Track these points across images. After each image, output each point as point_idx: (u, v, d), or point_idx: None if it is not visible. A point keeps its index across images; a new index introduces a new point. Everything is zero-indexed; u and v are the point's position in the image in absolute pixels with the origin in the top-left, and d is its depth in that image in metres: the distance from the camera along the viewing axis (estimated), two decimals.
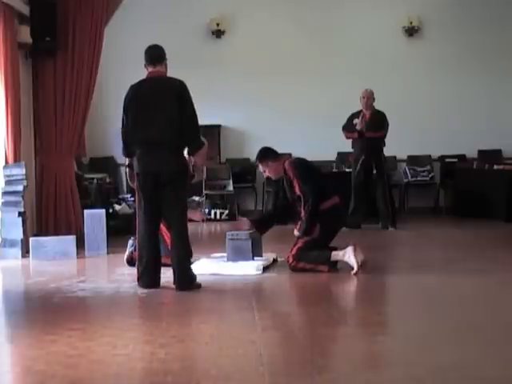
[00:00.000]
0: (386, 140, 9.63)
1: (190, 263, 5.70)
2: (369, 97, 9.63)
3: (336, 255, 6.25)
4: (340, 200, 6.48)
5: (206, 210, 7.25)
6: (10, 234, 7.75)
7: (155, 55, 5.65)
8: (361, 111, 9.63)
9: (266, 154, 6.59)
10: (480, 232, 9.27)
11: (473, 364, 3.53)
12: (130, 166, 5.77)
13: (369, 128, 9.45)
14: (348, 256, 6.15)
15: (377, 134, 9.49)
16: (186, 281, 5.56)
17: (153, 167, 5.48)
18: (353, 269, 6.09)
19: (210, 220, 11.24)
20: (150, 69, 5.65)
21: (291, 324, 4.59)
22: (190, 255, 5.67)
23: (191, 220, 6.59)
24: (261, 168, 6.62)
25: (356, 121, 9.52)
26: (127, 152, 5.71)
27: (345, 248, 6.22)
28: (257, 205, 11.99)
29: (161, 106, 5.48)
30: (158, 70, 5.63)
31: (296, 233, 6.40)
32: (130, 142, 5.62)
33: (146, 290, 5.50)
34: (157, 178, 5.48)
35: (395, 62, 12.08)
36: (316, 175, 6.47)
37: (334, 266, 6.35)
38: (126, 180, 5.91)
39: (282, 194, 6.60)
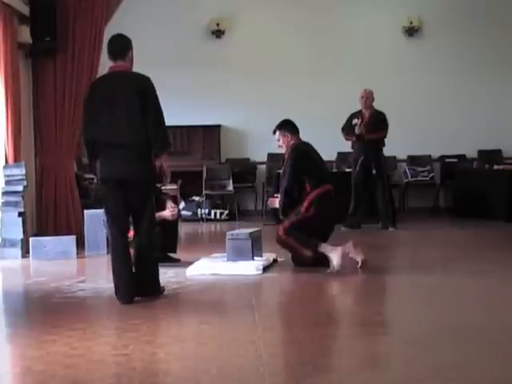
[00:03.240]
0: (386, 140, 9.63)
1: (157, 270, 5.30)
2: (368, 96, 9.62)
3: (325, 247, 6.25)
4: (333, 189, 6.52)
5: (181, 205, 6.92)
6: (9, 234, 7.75)
7: (115, 49, 5.25)
8: (360, 111, 9.63)
9: (287, 124, 6.64)
10: (480, 232, 9.28)
11: (473, 364, 3.53)
12: (95, 172, 5.35)
13: (369, 129, 9.44)
14: (333, 253, 6.17)
15: (377, 135, 9.48)
16: (148, 288, 5.23)
17: (115, 173, 5.10)
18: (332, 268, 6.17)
19: (209, 220, 11.25)
20: (111, 63, 5.27)
21: (291, 324, 4.59)
22: (157, 264, 5.33)
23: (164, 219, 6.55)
24: (277, 135, 6.60)
25: (355, 121, 9.50)
26: (89, 155, 5.29)
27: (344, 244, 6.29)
28: (257, 205, 11.99)
29: (121, 104, 5.06)
30: (120, 65, 5.22)
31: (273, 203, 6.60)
32: (90, 142, 5.19)
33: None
34: (120, 184, 5.11)
35: (395, 62, 12.08)
36: (311, 165, 6.51)
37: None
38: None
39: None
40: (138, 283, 5.21)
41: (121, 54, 5.25)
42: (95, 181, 9.79)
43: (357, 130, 9.43)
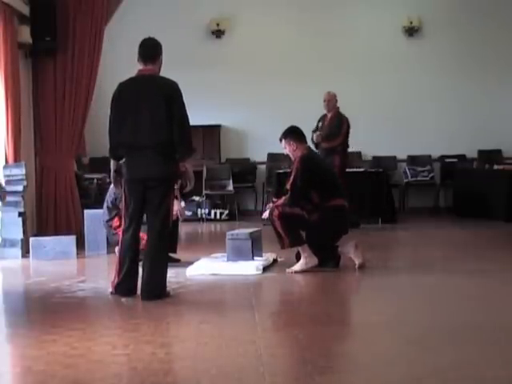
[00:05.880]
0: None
1: (165, 272, 5.28)
2: (330, 99, 9.56)
3: (305, 249, 6.25)
4: (345, 205, 6.45)
5: (182, 203, 6.91)
6: (10, 234, 7.75)
7: (148, 53, 5.31)
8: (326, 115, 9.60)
9: (293, 132, 6.54)
10: (480, 232, 9.28)
11: (473, 364, 3.53)
12: (116, 171, 5.41)
13: (327, 132, 9.32)
14: (307, 260, 6.19)
15: (329, 145, 9.30)
16: (155, 289, 5.20)
17: (140, 173, 5.19)
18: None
19: (209, 220, 11.25)
20: (141, 66, 5.32)
21: (291, 324, 4.59)
22: (166, 266, 5.31)
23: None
24: (282, 144, 6.53)
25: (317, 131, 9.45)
26: (114, 154, 5.37)
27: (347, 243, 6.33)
28: (257, 205, 11.99)
29: (146, 107, 5.15)
30: (149, 69, 5.30)
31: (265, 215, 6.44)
32: (116, 145, 5.30)
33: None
34: (145, 183, 5.21)
35: (395, 62, 12.08)
36: (321, 176, 6.42)
37: (337, 266, 6.39)
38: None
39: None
40: (143, 285, 5.21)
41: (152, 58, 5.32)
42: (95, 181, 9.82)
43: (314, 139, 9.37)
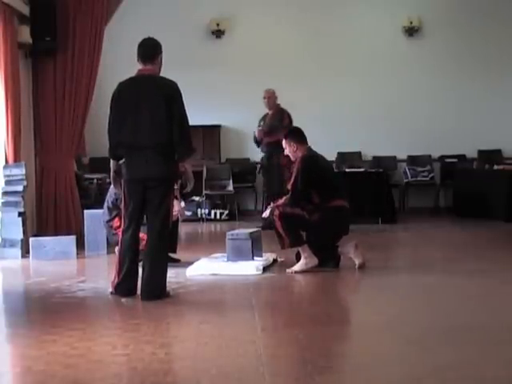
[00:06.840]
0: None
1: (165, 273, 5.28)
2: (270, 96, 9.62)
3: (305, 249, 6.25)
4: (345, 206, 6.43)
5: (182, 203, 6.90)
6: (10, 234, 7.75)
7: (147, 53, 5.31)
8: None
9: (293, 133, 6.60)
10: (480, 232, 9.27)
11: (473, 364, 3.53)
12: (116, 171, 5.41)
13: (269, 129, 9.34)
14: (306, 260, 6.20)
15: (272, 138, 9.28)
16: (155, 289, 5.20)
17: (140, 173, 5.18)
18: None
19: (209, 220, 11.25)
20: (141, 66, 5.32)
21: (291, 324, 4.59)
22: (166, 266, 5.31)
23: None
24: (283, 144, 6.56)
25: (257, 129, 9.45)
26: (113, 154, 5.37)
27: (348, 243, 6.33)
28: (257, 205, 11.99)
29: (146, 108, 5.16)
30: (149, 69, 5.29)
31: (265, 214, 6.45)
32: (115, 145, 5.30)
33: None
34: (144, 183, 5.20)
35: (395, 62, 12.08)
36: (322, 177, 6.42)
37: (337, 266, 6.39)
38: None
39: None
40: (143, 285, 5.21)
41: (151, 58, 5.32)
42: (95, 181, 9.82)
43: (256, 135, 9.39)
